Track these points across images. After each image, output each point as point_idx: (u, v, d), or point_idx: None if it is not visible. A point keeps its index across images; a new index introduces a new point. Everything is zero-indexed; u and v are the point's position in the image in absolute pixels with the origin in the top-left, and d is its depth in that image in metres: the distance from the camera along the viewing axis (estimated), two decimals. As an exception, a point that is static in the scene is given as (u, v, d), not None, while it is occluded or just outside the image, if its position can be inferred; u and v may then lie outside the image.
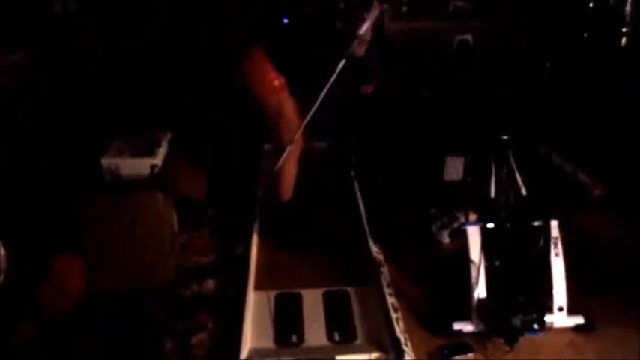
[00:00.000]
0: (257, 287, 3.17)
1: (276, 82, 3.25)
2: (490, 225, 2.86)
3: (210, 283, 3.18)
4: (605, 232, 3.58)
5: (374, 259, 3.30)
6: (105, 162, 3.03)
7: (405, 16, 5.59)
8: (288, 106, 3.33)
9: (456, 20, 5.17)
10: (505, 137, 2.96)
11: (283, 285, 3.20)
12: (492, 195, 2.93)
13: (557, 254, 2.86)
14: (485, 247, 2.83)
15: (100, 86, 4.12)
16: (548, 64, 4.35)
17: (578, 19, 4.23)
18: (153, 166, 3.04)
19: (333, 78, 3.12)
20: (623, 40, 3.93)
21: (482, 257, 2.82)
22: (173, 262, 3.28)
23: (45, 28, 4.29)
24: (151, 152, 3.10)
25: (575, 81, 4.21)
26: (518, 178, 2.93)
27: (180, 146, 3.52)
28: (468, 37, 3.51)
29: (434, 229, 3.59)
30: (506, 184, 2.93)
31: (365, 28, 3.21)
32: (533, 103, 3.90)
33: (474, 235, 2.87)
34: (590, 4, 4.11)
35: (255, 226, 3.66)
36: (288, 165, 3.46)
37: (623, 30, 3.93)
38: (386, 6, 3.30)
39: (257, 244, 3.53)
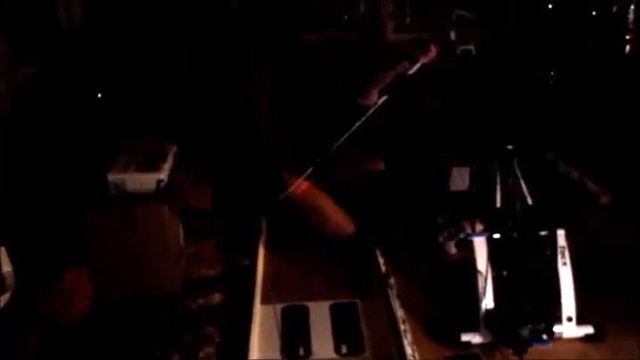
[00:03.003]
0: (264, 300, 3.16)
1: (301, 188, 3.44)
2: (496, 235, 2.85)
3: (216, 296, 3.17)
4: (612, 239, 3.56)
5: (381, 270, 3.29)
6: (111, 177, 3.04)
7: (408, 27, 5.67)
8: (318, 202, 3.48)
9: (459, 30, 5.22)
10: (510, 147, 2.97)
11: (290, 298, 3.19)
12: (498, 205, 2.93)
13: (564, 263, 2.84)
14: (492, 257, 2.82)
15: (107, 98, 4.16)
16: (552, 73, 4.37)
17: (581, 27, 4.23)
18: (159, 181, 3.05)
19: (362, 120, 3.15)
20: (627, 47, 3.92)
21: (490, 267, 2.81)
22: (179, 274, 3.29)
23: (53, 40, 4.34)
24: (156, 167, 3.11)
25: (581, 89, 4.21)
26: (524, 187, 2.92)
27: (186, 158, 3.53)
28: (471, 47, 3.51)
29: (440, 239, 3.58)
30: (512, 194, 2.92)
31: (416, 68, 3.21)
32: (539, 111, 3.91)
33: (480, 245, 2.85)
34: (594, 12, 4.11)
35: (262, 239, 3.67)
36: (322, 206, 3.52)
37: (627, 37, 3.93)
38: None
39: (264, 257, 3.54)
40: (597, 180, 4.04)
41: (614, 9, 3.99)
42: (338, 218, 3.51)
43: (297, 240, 3.61)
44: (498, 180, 2.93)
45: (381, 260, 3.41)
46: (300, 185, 3.38)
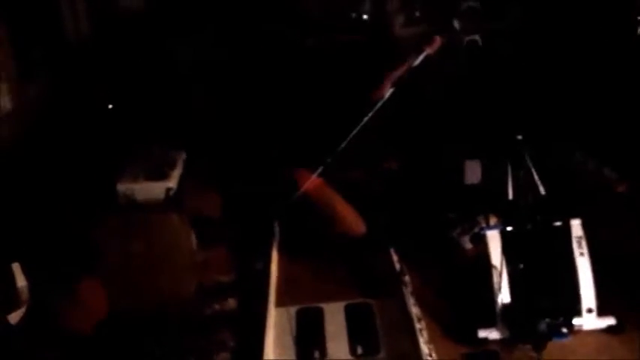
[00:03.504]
0: (278, 303, 3.14)
1: (313, 183, 3.41)
2: (509, 228, 2.80)
3: (230, 302, 3.17)
4: (630, 229, 3.47)
5: (395, 269, 3.25)
6: (121, 187, 3.06)
7: (418, 21, 5.61)
8: (330, 200, 3.46)
9: (468, 20, 5.15)
10: (519, 137, 2.90)
11: (304, 300, 3.17)
12: (510, 197, 2.87)
13: (582, 254, 2.77)
14: (506, 251, 2.76)
15: (118, 108, 4.19)
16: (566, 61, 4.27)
17: (592, 10, 4.14)
18: (168, 189, 3.06)
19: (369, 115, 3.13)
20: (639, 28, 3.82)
21: (504, 261, 2.76)
22: (193, 280, 3.28)
23: (61, 54, 4.38)
24: (165, 175, 3.13)
25: (594, 74, 4.11)
26: (536, 178, 2.86)
27: (195, 164, 3.54)
28: (477, 37, 3.44)
29: (454, 234, 3.53)
30: (525, 185, 2.86)
31: (420, 59, 3.19)
32: (549, 99, 3.83)
33: (493, 239, 2.80)
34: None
35: (275, 242, 3.66)
36: (333, 203, 3.50)
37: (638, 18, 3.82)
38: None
39: (277, 260, 3.52)
40: (615, 168, 3.97)
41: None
42: (349, 217, 3.48)
43: (310, 242, 3.60)
44: (510, 172, 2.87)
45: (395, 258, 3.38)
46: (312, 182, 3.34)
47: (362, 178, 3.72)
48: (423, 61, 3.17)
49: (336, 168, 3.48)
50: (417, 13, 5.77)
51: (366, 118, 3.07)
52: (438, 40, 3.21)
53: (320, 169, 3.20)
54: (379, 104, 3.08)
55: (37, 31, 4.24)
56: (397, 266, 3.29)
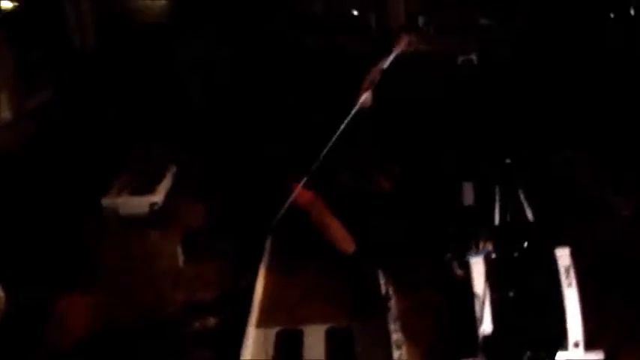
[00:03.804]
0: (259, 324, 3.09)
1: (305, 197, 3.41)
2: (494, 255, 2.69)
3: (211, 320, 3.13)
4: (631, 253, 3.33)
5: (380, 293, 3.17)
6: (105, 202, 3.05)
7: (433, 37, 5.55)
8: (321, 216, 3.44)
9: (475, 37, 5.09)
10: (509, 160, 2.80)
11: (287, 321, 3.11)
12: (497, 222, 2.76)
13: (569, 284, 2.64)
14: (489, 278, 2.66)
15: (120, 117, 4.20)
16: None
17: (599, 31, 4.03)
18: (152, 204, 3.04)
19: (346, 121, 3.08)
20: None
21: (488, 289, 2.65)
22: (178, 297, 3.26)
23: (65, 67, 4.43)
24: (150, 190, 3.11)
25: (600, 93, 4.00)
26: (525, 204, 2.75)
27: (187, 178, 3.52)
28: (473, 56, 3.36)
29: (447, 258, 3.43)
30: (512, 211, 2.76)
31: (390, 59, 3.14)
32: (554, 122, 3.73)
33: (477, 265, 2.69)
34: (612, 15, 3.89)
35: (264, 258, 3.61)
36: (324, 219, 3.45)
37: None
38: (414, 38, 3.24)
39: (264, 278, 3.47)
40: (619, 190, 3.82)
41: (632, 11, 3.76)
42: (339, 236, 3.42)
43: (301, 259, 3.54)
44: (497, 196, 2.77)
45: (382, 280, 3.30)
46: (304, 194, 3.30)
47: (356, 191, 3.64)
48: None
49: (329, 177, 3.44)
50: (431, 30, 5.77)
51: (342, 125, 3.00)
52: (405, 39, 3.15)
53: (305, 178, 3.13)
54: (355, 110, 3.02)
55: (42, 41, 4.31)
56: (383, 289, 3.21)
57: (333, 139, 2.99)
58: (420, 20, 3.24)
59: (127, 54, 4.61)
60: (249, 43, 4.57)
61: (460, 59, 3.35)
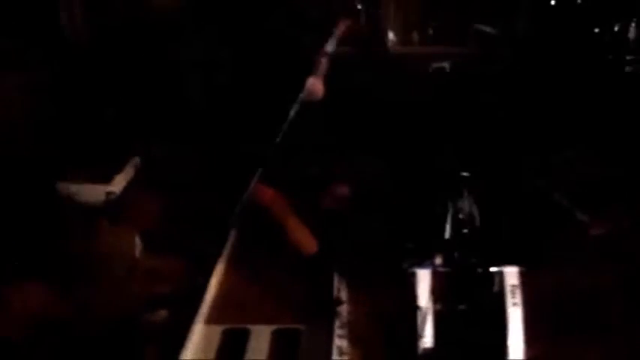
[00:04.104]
0: (208, 320, 3.08)
1: (268, 195, 3.40)
2: (441, 268, 2.66)
3: (162, 314, 3.12)
4: (596, 276, 3.27)
5: (331, 296, 3.14)
6: (61, 187, 3.04)
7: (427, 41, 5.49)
8: (282, 214, 3.43)
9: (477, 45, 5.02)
10: (465, 174, 2.76)
11: (236, 319, 3.10)
12: (447, 236, 2.73)
13: (514, 304, 2.60)
14: (435, 293, 2.63)
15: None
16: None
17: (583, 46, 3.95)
18: (108, 193, 3.03)
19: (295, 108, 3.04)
20: (628, 67, 3.62)
21: (432, 304, 2.62)
22: (132, 289, 3.25)
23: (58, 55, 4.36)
24: (108, 178, 3.09)
25: (583, 107, 3.92)
26: (477, 219, 2.71)
27: (149, 170, 3.49)
28: (446, 64, 3.31)
29: (405, 266, 3.39)
30: (463, 225, 2.72)
31: (332, 44, 3.11)
32: (527, 134, 3.67)
33: (423, 278, 2.66)
34: (596, 30, 3.82)
35: (225, 253, 3.59)
36: (285, 218, 3.42)
37: (628, 57, 3.63)
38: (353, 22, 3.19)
39: (222, 273, 3.45)
40: (593, 211, 3.75)
41: (616, 27, 3.68)
42: (300, 235, 3.38)
43: (264, 257, 3.52)
44: (450, 210, 2.73)
45: (338, 285, 3.27)
46: (264, 191, 3.27)
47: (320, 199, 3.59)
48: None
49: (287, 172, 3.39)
50: (431, 32, 5.72)
51: (292, 113, 2.96)
52: (342, 24, 3.11)
53: (260, 172, 3.09)
54: (303, 96, 2.98)
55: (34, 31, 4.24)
56: (335, 293, 3.18)
57: (284, 127, 2.94)
58: (359, 5, 3.22)
59: (125, 52, 4.52)
60: (249, 43, 4.51)
61: (432, 67, 3.31)
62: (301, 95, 2.98)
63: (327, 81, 3.23)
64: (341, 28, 3.12)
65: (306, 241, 3.47)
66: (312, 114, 3.21)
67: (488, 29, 5.18)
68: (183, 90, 4.32)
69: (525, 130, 3.68)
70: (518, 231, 3.06)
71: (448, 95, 3.13)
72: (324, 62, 3.10)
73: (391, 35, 5.18)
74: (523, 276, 2.62)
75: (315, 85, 3.12)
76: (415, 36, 5.59)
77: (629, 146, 3.71)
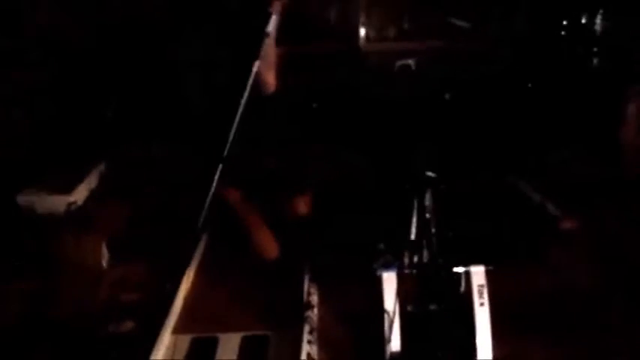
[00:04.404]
0: (175, 329, 3.02)
1: (232, 195, 3.34)
2: (407, 270, 2.63)
3: (128, 324, 3.06)
4: (566, 272, 3.26)
5: (301, 300, 3.10)
6: (20, 199, 2.96)
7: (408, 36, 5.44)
8: (244, 216, 3.37)
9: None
10: (431, 174, 2.72)
11: (205, 328, 3.04)
12: (413, 237, 2.70)
13: (482, 304, 2.58)
14: (401, 295, 2.60)
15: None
16: (529, 85, 4.09)
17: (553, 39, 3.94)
18: (70, 204, 2.96)
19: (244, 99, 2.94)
20: (594, 60, 3.60)
21: (398, 306, 2.59)
22: (98, 298, 3.19)
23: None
24: (68, 189, 3.02)
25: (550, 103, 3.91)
26: (432, 218, 2.66)
27: (113, 177, 3.42)
28: (411, 61, 3.26)
29: (375, 267, 3.36)
30: (429, 225, 2.69)
31: (272, 25, 3.03)
32: (494, 127, 3.64)
33: (389, 280, 2.63)
34: (564, 22, 3.80)
35: (195, 260, 3.53)
36: (247, 220, 3.35)
37: (594, 50, 3.61)
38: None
39: (191, 281, 3.40)
40: (564, 205, 3.74)
41: (583, 20, 3.66)
42: (261, 239, 3.32)
43: (235, 262, 3.46)
44: (415, 209, 2.70)
45: (307, 288, 3.23)
46: (230, 192, 3.20)
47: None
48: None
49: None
50: (406, 26, 5.68)
51: (241, 104, 2.88)
52: (277, 3, 3.05)
53: (221, 166, 3.02)
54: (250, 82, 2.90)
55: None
56: (305, 297, 3.14)
57: (236, 120, 2.86)
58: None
59: (122, 52, 4.41)
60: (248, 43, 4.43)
61: (397, 64, 3.25)
62: (249, 83, 2.89)
63: (279, 69, 3.15)
64: (277, 9, 3.03)
65: (268, 245, 3.40)
66: (272, 106, 3.14)
67: (462, 23, 5.17)
68: (181, 90, 4.25)
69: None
70: (487, 230, 3.04)
71: (413, 93, 3.09)
72: (269, 46, 3.02)
73: (362, 31, 5.14)
74: (490, 275, 2.61)
75: (266, 74, 3.04)
76: (391, 31, 5.57)
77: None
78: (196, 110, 3.76)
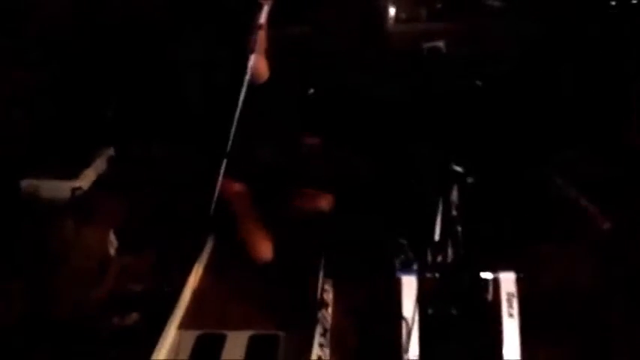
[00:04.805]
0: (182, 325, 2.87)
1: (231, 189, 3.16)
2: (429, 274, 2.41)
3: (134, 316, 2.92)
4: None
5: (314, 298, 2.92)
6: (24, 184, 2.82)
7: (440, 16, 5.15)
8: (240, 213, 3.20)
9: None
10: (458, 168, 2.48)
11: (213, 324, 2.88)
12: (437, 238, 2.47)
13: (511, 315, 2.35)
14: (421, 301, 2.38)
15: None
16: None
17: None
18: (74, 189, 2.81)
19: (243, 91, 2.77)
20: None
21: (418, 313, 2.38)
22: (103, 288, 3.05)
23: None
24: (74, 174, 2.87)
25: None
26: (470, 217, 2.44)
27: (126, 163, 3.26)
28: (441, 43, 3.01)
29: (396, 263, 3.14)
30: (454, 224, 2.46)
31: (264, 15, 2.82)
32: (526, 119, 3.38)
33: (409, 285, 2.41)
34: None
35: (204, 254, 3.36)
36: (242, 217, 3.17)
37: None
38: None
39: (199, 276, 3.24)
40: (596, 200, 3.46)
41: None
42: (254, 239, 3.12)
43: (245, 257, 3.28)
44: (440, 208, 2.47)
45: (322, 286, 3.03)
46: (229, 185, 3.01)
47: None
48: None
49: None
50: (439, 5, 5.39)
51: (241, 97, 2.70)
52: None
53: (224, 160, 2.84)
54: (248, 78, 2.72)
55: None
56: (319, 295, 2.95)
57: (236, 113, 2.68)
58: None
59: (122, 52, 4.26)
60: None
61: (425, 47, 3.00)
62: (246, 78, 2.71)
63: (271, 57, 2.92)
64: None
65: (261, 246, 3.19)
66: (265, 96, 2.91)
67: (496, 3, 4.87)
68: (181, 90, 4.09)
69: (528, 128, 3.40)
70: (518, 231, 2.80)
71: (442, 79, 2.84)
72: (260, 36, 2.80)
73: (392, 11, 4.85)
74: (521, 282, 2.38)
75: (256, 63, 2.82)
76: (423, 11, 5.28)
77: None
78: (196, 109, 3.59)
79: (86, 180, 2.91)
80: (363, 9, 4.84)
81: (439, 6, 5.31)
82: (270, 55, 2.97)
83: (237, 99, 2.69)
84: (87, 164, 2.94)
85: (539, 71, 3.74)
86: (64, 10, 4.16)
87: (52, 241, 2.80)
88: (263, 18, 2.77)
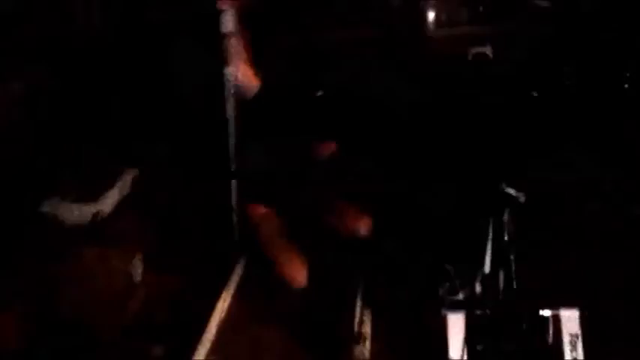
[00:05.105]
0: (211, 355, 2.66)
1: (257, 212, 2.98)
2: (478, 311, 2.12)
3: (157, 350, 2.73)
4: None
5: (350, 331, 2.66)
6: (45, 208, 2.69)
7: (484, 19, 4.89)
8: (270, 237, 3.01)
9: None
10: (510, 190, 2.19)
11: (243, 355, 2.68)
12: (487, 270, 2.18)
13: (575, 358, 2.04)
14: (470, 341, 2.09)
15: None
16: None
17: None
18: (95, 214, 2.66)
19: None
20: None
21: (466, 354, 2.09)
22: (125, 315, 2.87)
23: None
24: (94, 197, 2.72)
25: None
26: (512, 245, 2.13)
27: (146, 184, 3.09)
28: (487, 49, 2.72)
29: (441, 292, 2.85)
30: (507, 252, 2.16)
31: (230, 22, 2.61)
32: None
33: (455, 324, 2.13)
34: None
35: (234, 281, 3.15)
36: (272, 240, 2.97)
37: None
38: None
39: (228, 303, 3.02)
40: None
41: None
42: (287, 264, 2.87)
43: (273, 284, 3.05)
44: (490, 235, 2.18)
45: (361, 317, 2.77)
46: (254, 208, 2.80)
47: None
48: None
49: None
50: (481, 9, 5.12)
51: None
52: None
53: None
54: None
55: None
56: (356, 327, 2.69)
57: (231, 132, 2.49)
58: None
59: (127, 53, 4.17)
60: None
61: (472, 52, 2.72)
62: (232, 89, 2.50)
63: (254, 64, 2.69)
64: (227, 3, 2.59)
65: (294, 270, 2.95)
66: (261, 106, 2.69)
67: (545, 3, 4.56)
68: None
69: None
70: (580, 260, 2.46)
71: (490, 88, 2.56)
72: (234, 45, 2.58)
73: (431, 15, 4.58)
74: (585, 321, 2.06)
75: (242, 73, 2.61)
76: (464, 14, 4.99)
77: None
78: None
79: (107, 203, 2.76)
80: (400, 10, 4.62)
81: (481, 8, 5.06)
82: (266, 64, 2.74)
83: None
84: (109, 186, 2.80)
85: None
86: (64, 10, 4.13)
87: (67, 267, 2.64)
88: (230, 26, 2.56)
